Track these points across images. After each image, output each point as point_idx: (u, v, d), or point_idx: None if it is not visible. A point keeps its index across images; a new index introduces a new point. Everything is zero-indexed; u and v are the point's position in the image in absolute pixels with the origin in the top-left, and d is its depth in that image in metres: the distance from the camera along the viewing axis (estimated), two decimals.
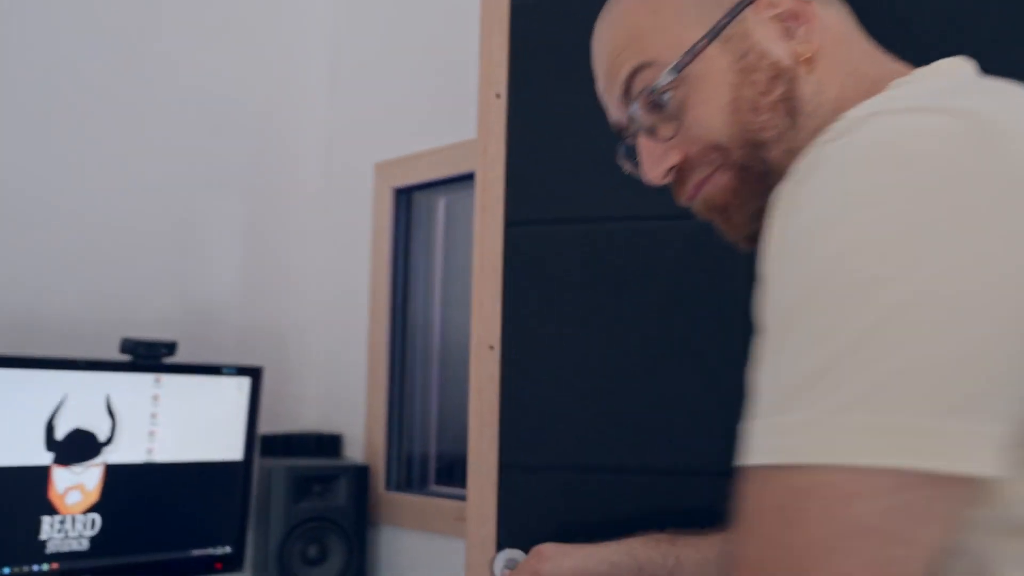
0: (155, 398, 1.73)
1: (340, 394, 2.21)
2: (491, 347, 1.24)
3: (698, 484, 1.14)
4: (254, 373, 1.87)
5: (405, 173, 2.11)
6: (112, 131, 1.94)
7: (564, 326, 1.22)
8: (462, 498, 1.89)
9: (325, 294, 2.26)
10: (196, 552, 1.79)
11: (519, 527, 1.20)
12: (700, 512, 1.12)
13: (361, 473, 1.97)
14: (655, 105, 0.76)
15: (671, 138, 0.76)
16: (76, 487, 1.64)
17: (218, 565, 1.81)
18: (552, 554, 1.08)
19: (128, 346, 1.70)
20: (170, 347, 1.75)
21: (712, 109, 0.73)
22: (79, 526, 1.65)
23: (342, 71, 2.31)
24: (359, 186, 2.20)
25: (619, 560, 1.04)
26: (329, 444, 2.16)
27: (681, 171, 0.78)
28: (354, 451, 2.15)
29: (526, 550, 1.16)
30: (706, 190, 0.78)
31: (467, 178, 1.99)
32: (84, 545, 1.65)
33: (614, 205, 1.22)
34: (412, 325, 2.14)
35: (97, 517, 1.67)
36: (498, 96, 1.29)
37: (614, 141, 1.23)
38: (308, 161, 2.28)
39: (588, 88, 1.25)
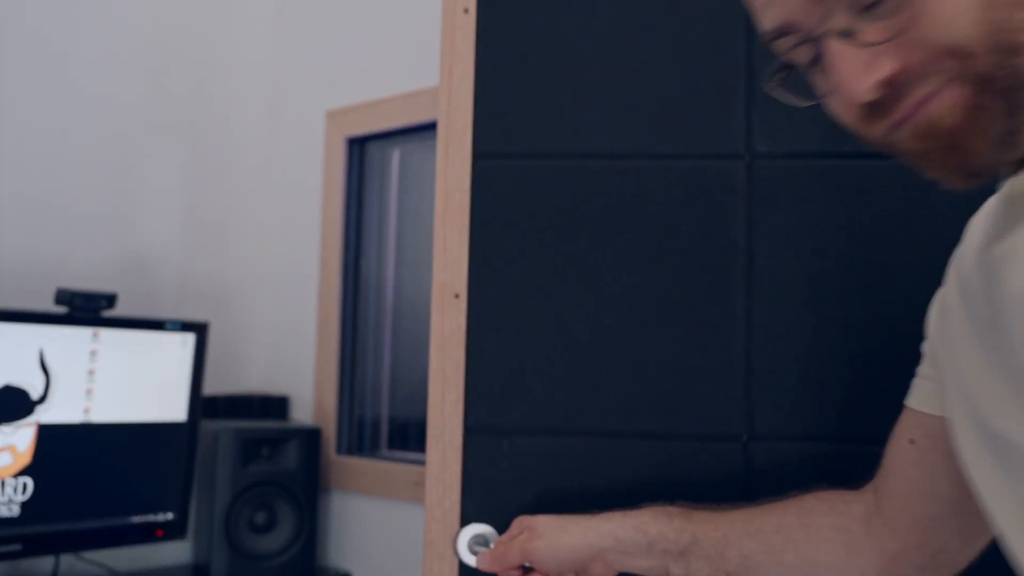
0: (93, 354, 1.64)
1: (287, 353, 2.12)
2: (456, 295, 1.13)
3: (688, 450, 1.06)
4: (199, 329, 1.78)
5: (359, 121, 2.02)
6: (46, 72, 1.82)
7: (539, 274, 1.13)
8: (416, 463, 1.86)
9: (273, 248, 2.17)
10: (136, 519, 1.70)
11: (486, 498, 1.09)
12: (692, 481, 1.05)
13: (312, 436, 1.89)
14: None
15: (883, 42, 0.59)
16: (6, 448, 1.54)
17: (159, 532, 1.73)
18: (546, 529, 0.96)
19: (64, 297, 1.60)
20: (110, 299, 1.65)
21: (957, 3, 0.57)
22: (9, 490, 1.54)
23: (290, 8, 2.20)
24: (309, 134, 2.11)
25: (626, 535, 0.93)
26: (275, 406, 2.08)
27: (894, 85, 0.60)
28: (302, 413, 2.08)
29: (497, 525, 1.07)
30: (931, 109, 0.60)
31: (426, 128, 1.92)
32: (14, 511, 1.55)
33: (599, 140, 1.13)
34: (365, 282, 2.07)
35: (29, 481, 1.57)
36: (466, 11, 1.17)
37: (602, 65, 1.15)
38: (252, 106, 2.18)
39: (573, 2, 1.17)
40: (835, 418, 1.05)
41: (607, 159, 1.12)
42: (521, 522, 1.01)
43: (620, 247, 1.11)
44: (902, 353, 0.86)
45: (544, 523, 0.98)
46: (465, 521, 1.08)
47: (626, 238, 1.11)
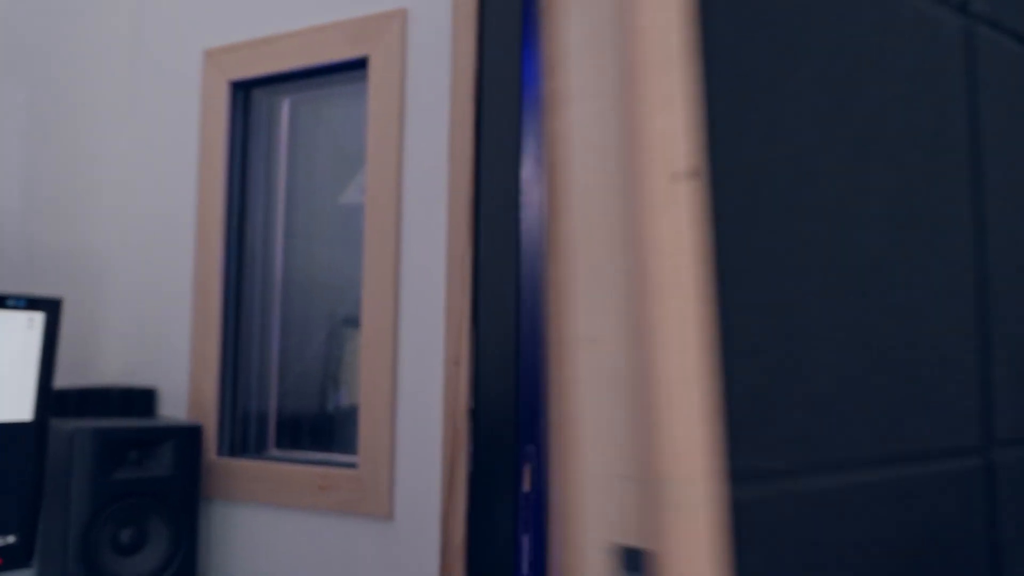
0: None
1: (155, 338, 1.90)
2: (683, 174, 0.57)
3: (911, 475, 0.73)
4: (50, 306, 1.54)
5: (245, 63, 1.81)
6: None
7: (823, 132, 0.68)
8: (312, 463, 1.69)
9: (138, 211, 1.95)
10: None
11: None
12: (922, 516, 0.72)
13: (191, 435, 1.68)
14: None
15: None
16: None
17: None
18: None
19: None
20: None
21: None
22: None
23: None
24: (183, 77, 1.90)
25: None
26: (138, 401, 1.85)
27: None
28: (173, 409, 1.86)
29: None
30: None
31: (324, 71, 1.74)
32: None
33: None
34: (250, 253, 1.86)
35: None
36: None
37: None
38: (113, 40, 1.97)
39: None
40: None
41: None
42: None
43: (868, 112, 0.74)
44: None
45: None
46: None
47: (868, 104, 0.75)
